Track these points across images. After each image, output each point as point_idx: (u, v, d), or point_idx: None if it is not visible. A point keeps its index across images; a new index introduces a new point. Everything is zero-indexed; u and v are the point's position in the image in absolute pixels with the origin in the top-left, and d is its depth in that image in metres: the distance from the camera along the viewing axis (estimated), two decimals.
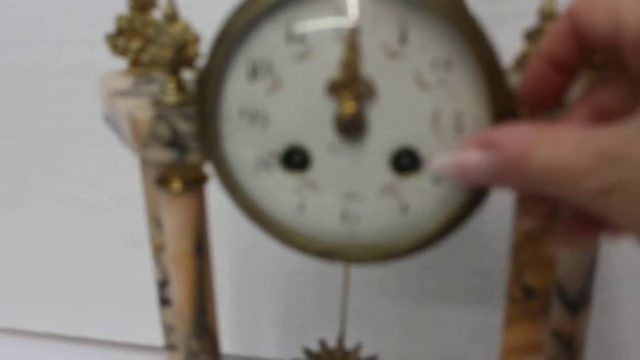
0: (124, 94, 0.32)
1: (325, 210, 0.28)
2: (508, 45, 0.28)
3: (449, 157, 0.25)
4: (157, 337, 0.58)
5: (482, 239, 0.49)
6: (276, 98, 0.27)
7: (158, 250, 0.40)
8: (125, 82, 0.34)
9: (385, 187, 0.28)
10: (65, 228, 0.58)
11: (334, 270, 0.47)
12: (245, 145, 0.28)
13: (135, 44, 0.35)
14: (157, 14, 0.35)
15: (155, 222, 0.39)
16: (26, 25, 0.52)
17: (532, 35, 0.29)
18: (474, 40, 0.25)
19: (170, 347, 0.42)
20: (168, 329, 0.42)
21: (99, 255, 0.58)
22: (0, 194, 0.59)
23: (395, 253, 0.28)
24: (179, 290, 0.33)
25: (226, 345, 0.40)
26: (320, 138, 0.27)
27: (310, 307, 0.54)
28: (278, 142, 0.27)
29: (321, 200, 0.28)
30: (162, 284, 0.40)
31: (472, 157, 0.24)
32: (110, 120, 0.35)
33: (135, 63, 0.36)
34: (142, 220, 0.47)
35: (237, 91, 0.27)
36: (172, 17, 0.29)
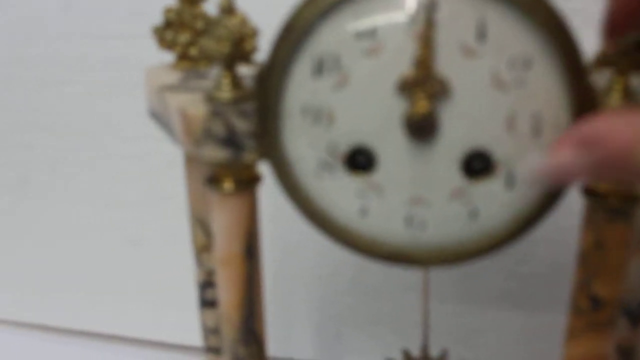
0: (174, 88, 0.31)
1: (390, 215, 0.27)
2: (587, 42, 0.26)
3: (541, 158, 0.24)
4: (168, 334, 0.58)
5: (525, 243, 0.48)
6: (342, 95, 0.25)
7: (200, 250, 0.39)
8: (174, 77, 0.33)
9: (454, 192, 0.26)
10: (76, 223, 0.58)
11: (369, 274, 0.46)
12: (307, 145, 0.26)
13: (183, 37, 0.34)
14: (206, 7, 0.34)
15: (199, 223, 0.38)
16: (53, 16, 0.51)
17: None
18: (556, 37, 0.24)
19: (212, 350, 0.41)
20: (208, 332, 0.40)
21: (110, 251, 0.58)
22: (7, 187, 0.58)
23: (463, 256, 0.27)
24: (228, 295, 0.32)
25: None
26: (387, 138, 0.26)
27: (345, 311, 0.53)
28: (342, 142, 0.26)
29: (385, 204, 0.27)
30: (204, 286, 0.39)
31: (571, 156, 0.22)
32: (157, 116, 0.33)
33: (183, 57, 0.35)
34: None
35: (300, 87, 0.26)
36: (228, 9, 0.28)
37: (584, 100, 0.24)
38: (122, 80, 0.51)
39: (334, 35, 0.25)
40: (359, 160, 0.26)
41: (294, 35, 0.25)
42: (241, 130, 0.28)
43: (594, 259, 0.29)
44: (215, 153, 0.28)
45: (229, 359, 0.34)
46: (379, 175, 0.26)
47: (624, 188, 0.27)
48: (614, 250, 0.29)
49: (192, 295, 0.46)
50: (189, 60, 0.35)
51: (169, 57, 0.35)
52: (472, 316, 0.51)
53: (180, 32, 0.34)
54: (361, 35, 0.25)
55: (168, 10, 0.34)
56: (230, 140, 0.28)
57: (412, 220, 0.27)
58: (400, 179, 0.26)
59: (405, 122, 0.25)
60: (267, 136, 0.27)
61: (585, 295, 0.30)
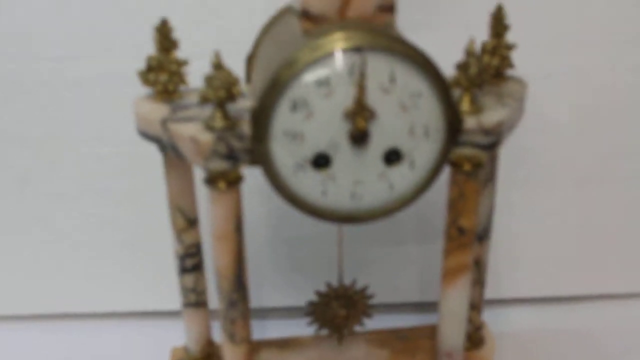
0: (173, 120, 0.44)
1: (340, 193, 0.42)
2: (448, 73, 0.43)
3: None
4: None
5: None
6: (309, 123, 0.40)
7: (180, 231, 0.51)
8: (163, 109, 0.45)
9: (379, 175, 0.42)
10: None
11: (323, 233, 0.60)
12: (287, 155, 0.41)
13: (163, 77, 0.46)
14: (177, 53, 0.46)
15: (179, 210, 0.51)
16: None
17: (461, 67, 0.44)
18: (434, 78, 0.40)
19: (190, 305, 0.54)
20: (187, 291, 0.54)
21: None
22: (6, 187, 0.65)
23: (386, 213, 0.43)
24: (224, 259, 0.46)
25: None
26: (338, 146, 0.41)
27: (307, 263, 0.67)
28: (309, 152, 0.41)
29: (337, 187, 0.42)
30: (184, 257, 0.52)
31: None
32: (151, 136, 0.46)
33: (163, 92, 0.47)
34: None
35: (282, 120, 0.40)
36: (218, 65, 0.41)
37: (451, 111, 0.41)
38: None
39: (302, 86, 0.39)
40: (320, 162, 0.41)
41: (278, 87, 0.39)
42: (237, 148, 0.41)
43: (458, 204, 0.47)
44: (219, 165, 0.42)
45: (224, 304, 0.47)
46: (333, 169, 0.41)
47: (474, 158, 0.45)
48: (470, 198, 0.47)
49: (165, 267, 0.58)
50: (167, 94, 0.47)
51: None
52: (375, 253, 0.67)
53: (160, 73, 0.46)
54: (320, 84, 0.39)
55: (150, 58, 0.46)
56: (230, 156, 0.41)
57: (354, 195, 0.42)
58: (346, 170, 0.41)
59: (349, 136, 0.40)
60: (259, 150, 0.41)
61: (455, 227, 0.48)
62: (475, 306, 0.59)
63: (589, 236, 0.70)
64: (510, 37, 0.49)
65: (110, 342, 0.68)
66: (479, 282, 0.58)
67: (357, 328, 0.57)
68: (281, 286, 0.68)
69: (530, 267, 0.71)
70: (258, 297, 0.67)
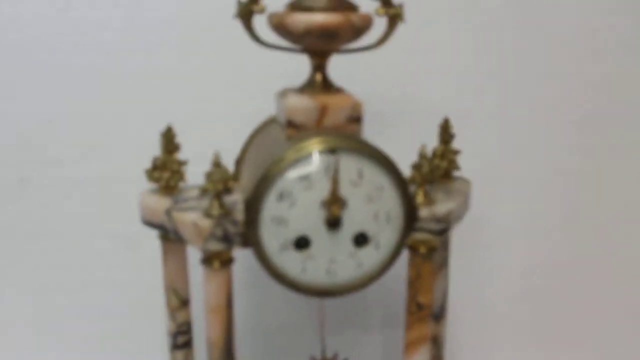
0: (176, 209, 0.52)
1: (317, 270, 0.50)
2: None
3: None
4: None
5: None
6: (292, 211, 0.48)
7: (173, 310, 0.58)
8: (166, 201, 0.54)
9: (350, 254, 0.50)
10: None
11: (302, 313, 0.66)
12: (273, 238, 0.49)
13: (166, 175, 0.55)
14: (179, 155, 0.55)
15: (173, 291, 0.58)
16: None
17: (416, 167, 0.53)
18: (395, 174, 0.49)
19: None
20: None
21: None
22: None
23: (356, 288, 0.51)
24: (216, 330, 0.52)
25: None
26: (316, 230, 0.49)
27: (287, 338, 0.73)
28: (292, 235, 0.49)
29: (315, 265, 0.50)
30: (176, 335, 0.59)
31: None
32: (155, 225, 0.54)
33: (165, 187, 0.55)
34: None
35: (269, 207, 0.48)
36: (217, 164, 0.50)
37: (408, 202, 0.50)
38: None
39: (287, 181, 0.48)
40: (301, 243, 0.49)
41: (267, 180, 0.48)
42: (232, 232, 0.49)
43: (416, 283, 0.55)
44: (216, 246, 0.50)
45: None
46: (312, 250, 0.50)
47: (428, 242, 0.53)
48: (426, 277, 0.55)
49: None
50: (169, 188, 0.55)
51: None
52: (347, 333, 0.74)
53: (164, 171, 0.55)
54: (302, 179, 0.48)
55: (156, 159, 0.55)
56: (225, 238, 0.49)
57: (329, 272, 0.50)
58: (323, 251, 0.50)
59: (326, 221, 0.49)
60: (250, 234, 0.49)
61: (414, 303, 0.55)
62: None
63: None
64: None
65: None
66: (437, 357, 0.65)
67: None
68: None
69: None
70: None
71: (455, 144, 0.59)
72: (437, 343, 0.64)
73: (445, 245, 0.61)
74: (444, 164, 0.59)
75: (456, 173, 0.61)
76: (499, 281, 0.76)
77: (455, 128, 0.59)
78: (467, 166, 0.61)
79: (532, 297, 0.77)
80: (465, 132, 0.61)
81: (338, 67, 0.56)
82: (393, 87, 0.69)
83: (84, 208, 0.69)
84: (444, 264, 0.62)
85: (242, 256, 0.53)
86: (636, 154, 0.76)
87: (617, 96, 0.74)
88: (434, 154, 0.59)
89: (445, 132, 0.59)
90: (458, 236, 0.67)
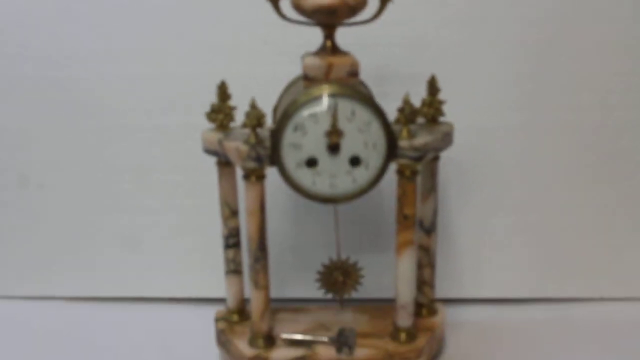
0: (226, 140, 0.72)
1: (323, 183, 0.69)
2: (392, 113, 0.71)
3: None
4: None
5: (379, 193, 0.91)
6: (305, 138, 0.68)
7: (226, 218, 0.79)
8: (219, 135, 0.74)
9: (346, 172, 0.69)
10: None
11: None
12: (291, 158, 0.68)
13: (220, 116, 0.75)
14: (231, 102, 0.76)
15: (226, 204, 0.78)
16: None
17: (400, 110, 0.71)
18: (379, 113, 0.68)
19: (231, 272, 0.81)
20: (229, 262, 0.81)
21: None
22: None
23: (351, 197, 0.70)
24: (253, 228, 0.73)
25: None
26: (322, 153, 0.68)
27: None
28: (304, 156, 0.68)
29: (321, 179, 0.69)
30: (228, 237, 0.80)
31: None
32: (212, 151, 0.74)
33: (220, 126, 0.76)
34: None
35: (288, 136, 0.68)
36: (254, 106, 0.70)
37: (389, 134, 0.69)
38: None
39: (301, 117, 0.67)
40: (311, 163, 0.69)
41: (287, 117, 0.67)
42: (263, 154, 0.69)
43: (403, 199, 0.73)
44: (251, 164, 0.70)
45: (251, 260, 0.74)
46: (319, 168, 0.69)
47: (410, 166, 0.71)
48: (410, 194, 0.73)
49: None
50: (223, 127, 0.76)
51: None
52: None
53: (219, 113, 0.75)
54: (311, 116, 0.67)
55: (213, 105, 0.75)
56: (258, 159, 0.70)
57: (332, 185, 0.70)
58: (326, 169, 0.69)
59: (328, 147, 0.68)
60: (275, 156, 0.69)
61: (401, 215, 0.74)
62: (428, 283, 0.84)
63: (542, 244, 0.93)
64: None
65: (161, 324, 0.90)
66: (429, 264, 0.83)
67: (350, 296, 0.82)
68: (296, 263, 0.94)
69: (487, 269, 0.95)
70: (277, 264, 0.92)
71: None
72: (428, 252, 0.82)
73: (433, 174, 0.79)
74: (432, 111, 0.77)
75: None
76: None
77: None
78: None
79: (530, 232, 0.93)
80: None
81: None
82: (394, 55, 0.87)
83: (167, 150, 0.91)
84: (433, 188, 0.80)
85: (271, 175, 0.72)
86: None
87: None
88: (423, 103, 0.77)
89: (432, 86, 0.77)
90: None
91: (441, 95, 0.77)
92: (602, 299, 0.95)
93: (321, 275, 0.80)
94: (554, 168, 0.91)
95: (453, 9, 0.85)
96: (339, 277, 0.80)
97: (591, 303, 0.95)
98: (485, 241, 0.93)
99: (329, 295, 0.82)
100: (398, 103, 0.71)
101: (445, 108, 0.77)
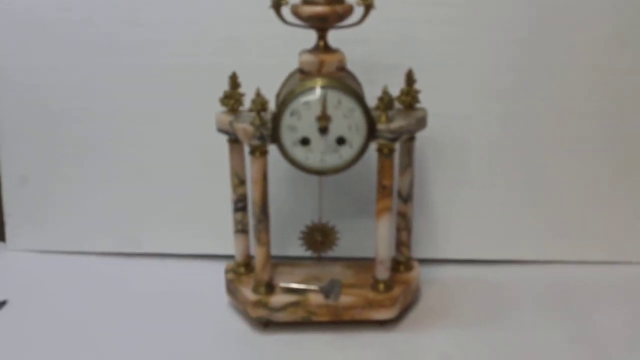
0: (235, 121, 0.88)
1: (314, 159, 0.85)
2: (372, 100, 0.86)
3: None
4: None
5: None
6: (299, 121, 0.83)
7: (235, 186, 0.95)
8: (230, 117, 0.89)
9: (334, 150, 0.85)
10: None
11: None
12: (288, 138, 0.84)
13: (232, 102, 0.91)
14: (240, 89, 0.91)
15: (235, 174, 0.94)
16: None
17: (380, 98, 0.86)
18: (361, 102, 0.83)
19: (239, 231, 0.97)
20: (237, 223, 0.96)
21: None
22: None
23: (339, 170, 0.86)
24: (257, 193, 0.88)
25: None
26: (313, 134, 0.84)
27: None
28: (299, 136, 0.84)
29: (313, 155, 0.85)
30: (237, 201, 0.95)
31: None
32: (223, 130, 0.90)
33: (230, 110, 0.91)
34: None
35: (286, 119, 0.83)
36: (258, 93, 0.85)
37: (369, 119, 0.84)
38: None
39: (297, 104, 0.83)
40: (304, 142, 0.84)
41: (285, 103, 0.83)
42: (265, 134, 0.85)
43: (381, 172, 0.88)
44: (256, 142, 0.85)
45: (255, 221, 0.90)
46: (311, 146, 0.84)
47: (387, 146, 0.86)
48: (387, 168, 0.88)
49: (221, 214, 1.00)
50: (233, 111, 0.91)
51: None
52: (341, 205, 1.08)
53: (231, 99, 0.91)
54: (305, 103, 0.82)
55: (225, 92, 0.91)
56: (261, 137, 0.85)
57: (322, 160, 0.85)
58: (317, 147, 0.84)
59: (318, 129, 0.83)
60: (275, 135, 0.84)
61: (380, 185, 0.89)
62: (405, 244, 0.99)
63: (504, 212, 1.08)
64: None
65: (181, 276, 1.04)
66: (406, 228, 0.98)
67: (332, 254, 0.97)
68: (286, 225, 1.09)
69: (458, 233, 1.10)
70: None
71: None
72: (405, 218, 0.98)
73: (410, 152, 0.94)
74: (408, 99, 0.92)
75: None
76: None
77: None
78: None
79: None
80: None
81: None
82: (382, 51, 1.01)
83: (183, 136, 1.07)
84: (409, 164, 0.94)
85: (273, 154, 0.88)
86: None
87: None
88: (401, 92, 0.92)
89: (410, 78, 0.91)
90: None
91: (423, 85, 0.91)
92: (560, 262, 1.10)
93: (303, 235, 0.96)
94: (516, 148, 1.06)
95: (434, 9, 0.99)
96: (318, 237, 0.96)
97: (549, 265, 1.09)
98: (456, 209, 1.08)
99: (309, 253, 0.97)
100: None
101: (423, 96, 0.91)
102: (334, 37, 0.86)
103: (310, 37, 0.87)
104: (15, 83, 1.06)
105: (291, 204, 1.07)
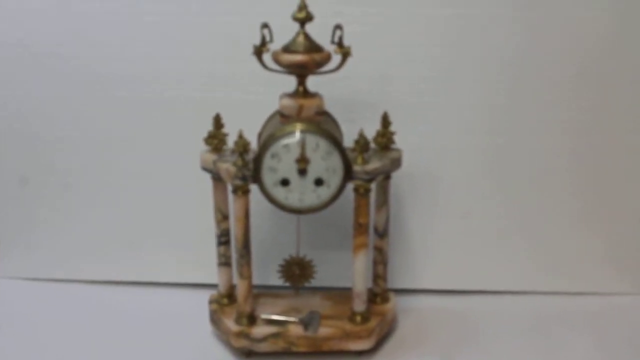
0: (218, 161, 0.92)
1: (294, 198, 0.89)
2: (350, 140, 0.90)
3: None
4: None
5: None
6: (280, 163, 0.87)
7: (219, 222, 0.99)
8: (213, 157, 0.93)
9: (312, 190, 0.89)
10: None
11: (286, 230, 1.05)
12: (269, 178, 0.88)
13: (215, 141, 0.95)
14: (224, 129, 0.95)
15: (219, 210, 0.98)
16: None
17: (357, 141, 0.90)
18: (338, 146, 0.87)
19: (222, 264, 1.01)
20: (221, 256, 1.00)
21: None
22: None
23: (316, 209, 0.90)
24: (239, 230, 0.92)
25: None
26: (293, 176, 0.88)
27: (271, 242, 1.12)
28: (279, 177, 0.88)
29: (292, 195, 0.89)
30: (220, 235, 0.99)
31: None
32: (208, 170, 0.94)
33: (214, 149, 0.95)
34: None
35: (267, 162, 0.87)
36: (241, 135, 0.89)
37: (346, 162, 0.88)
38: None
39: (277, 147, 0.87)
40: (284, 182, 0.88)
41: (266, 146, 0.87)
42: (247, 175, 0.89)
43: (357, 210, 0.93)
44: (238, 182, 0.89)
45: (238, 256, 0.94)
46: (290, 187, 0.88)
47: (363, 186, 0.91)
48: (363, 207, 0.92)
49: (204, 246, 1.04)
50: (217, 150, 0.95)
51: None
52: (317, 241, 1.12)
53: (214, 139, 0.95)
54: (285, 146, 0.87)
55: (210, 132, 0.95)
56: (243, 178, 0.89)
57: (300, 200, 0.89)
58: (296, 188, 0.88)
59: (298, 171, 0.87)
60: (257, 176, 0.88)
61: (357, 223, 0.93)
62: (381, 277, 1.03)
63: (479, 244, 1.13)
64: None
65: (165, 306, 1.07)
66: (382, 262, 1.03)
67: (312, 283, 1.01)
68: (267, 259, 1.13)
69: (434, 264, 1.14)
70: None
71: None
72: (381, 252, 1.02)
73: (385, 190, 0.98)
74: (384, 140, 0.96)
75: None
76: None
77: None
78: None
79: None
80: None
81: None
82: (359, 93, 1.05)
83: (169, 167, 1.10)
84: (385, 201, 0.99)
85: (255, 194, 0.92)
86: None
87: None
88: (377, 134, 0.96)
89: (385, 120, 0.96)
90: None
91: (400, 121, 0.96)
92: (533, 292, 1.14)
93: (282, 268, 1.00)
94: (490, 182, 1.10)
95: (411, 49, 1.03)
96: (296, 270, 1.00)
97: (522, 296, 1.14)
98: (432, 240, 1.13)
99: (287, 284, 1.00)
100: (363, 126, 0.89)
101: (401, 132, 0.96)
102: (314, 76, 0.90)
103: (292, 77, 0.91)
104: (4, 111, 1.09)
105: (273, 236, 1.11)
